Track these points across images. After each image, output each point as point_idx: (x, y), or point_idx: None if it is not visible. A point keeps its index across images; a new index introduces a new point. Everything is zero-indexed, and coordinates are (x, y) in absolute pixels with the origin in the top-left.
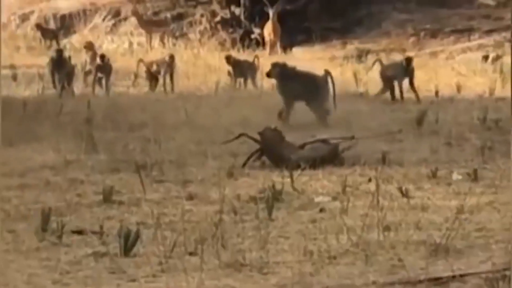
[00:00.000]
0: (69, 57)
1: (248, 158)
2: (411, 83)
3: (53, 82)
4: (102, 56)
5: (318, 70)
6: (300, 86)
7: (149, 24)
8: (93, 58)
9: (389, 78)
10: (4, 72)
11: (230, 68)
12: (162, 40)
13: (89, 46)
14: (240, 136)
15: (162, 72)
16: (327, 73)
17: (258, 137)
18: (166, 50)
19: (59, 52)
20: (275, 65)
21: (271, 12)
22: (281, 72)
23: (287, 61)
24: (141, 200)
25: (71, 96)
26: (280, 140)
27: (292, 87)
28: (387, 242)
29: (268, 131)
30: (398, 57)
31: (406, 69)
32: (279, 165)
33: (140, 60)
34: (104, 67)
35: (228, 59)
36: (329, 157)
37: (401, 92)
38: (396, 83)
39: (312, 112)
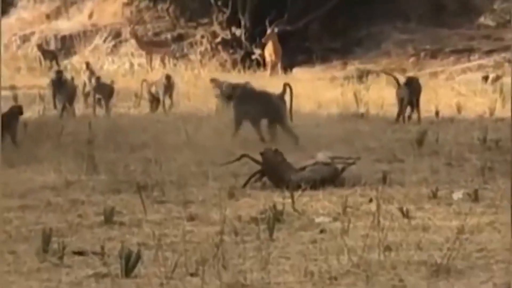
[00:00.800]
0: (72, 78)
1: (249, 179)
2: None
3: (54, 103)
4: (98, 78)
5: (319, 90)
6: (261, 107)
7: (149, 45)
8: (91, 79)
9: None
10: (5, 93)
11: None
12: (162, 61)
13: (87, 68)
14: (242, 158)
15: (161, 93)
16: (285, 87)
17: (259, 158)
18: (166, 71)
19: (59, 73)
20: (235, 87)
21: (268, 30)
22: (242, 94)
23: (289, 82)
24: (142, 221)
25: (72, 117)
26: (281, 161)
27: (253, 108)
28: (388, 263)
29: (269, 152)
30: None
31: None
32: (280, 185)
33: (144, 80)
34: (101, 88)
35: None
36: (330, 178)
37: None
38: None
39: (282, 131)
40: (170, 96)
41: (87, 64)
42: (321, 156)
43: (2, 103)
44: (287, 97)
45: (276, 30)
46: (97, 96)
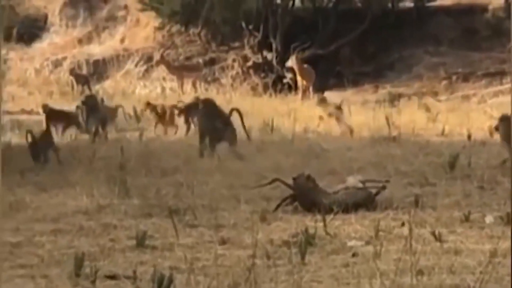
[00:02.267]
0: (102, 101)
1: (280, 204)
2: None
3: (86, 127)
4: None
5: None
6: (221, 126)
7: (180, 70)
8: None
9: None
10: (38, 117)
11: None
12: (194, 85)
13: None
14: (274, 182)
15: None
16: (232, 110)
17: (291, 182)
18: (198, 95)
19: (92, 98)
20: (205, 101)
21: (291, 58)
22: (210, 109)
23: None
24: (174, 245)
25: (104, 141)
26: (313, 187)
27: (213, 126)
28: (420, 287)
29: (302, 178)
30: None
31: None
32: (312, 210)
33: (177, 102)
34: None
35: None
36: (363, 202)
37: None
38: None
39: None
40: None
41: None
42: (352, 181)
43: (36, 128)
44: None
45: (299, 55)
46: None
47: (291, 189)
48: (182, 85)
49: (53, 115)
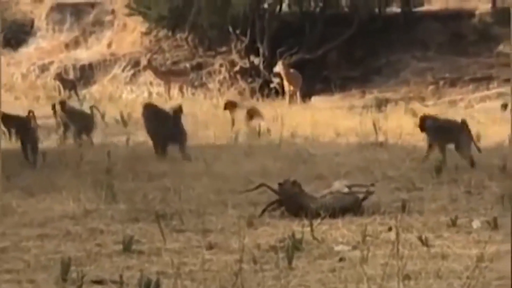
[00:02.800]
0: (91, 108)
1: (266, 208)
2: None
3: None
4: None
5: (338, 119)
6: (169, 128)
7: (167, 75)
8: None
9: None
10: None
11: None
12: (181, 89)
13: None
14: (260, 187)
15: None
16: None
17: (277, 187)
18: (185, 99)
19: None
20: (146, 106)
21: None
22: (152, 113)
23: (307, 110)
24: (161, 250)
25: (90, 146)
26: (299, 193)
27: (161, 128)
28: None
29: (288, 183)
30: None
31: None
32: (299, 214)
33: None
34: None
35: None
36: (351, 207)
37: None
38: None
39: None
40: None
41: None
42: (338, 185)
43: None
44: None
45: (286, 61)
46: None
47: (277, 195)
48: (169, 90)
49: (6, 120)
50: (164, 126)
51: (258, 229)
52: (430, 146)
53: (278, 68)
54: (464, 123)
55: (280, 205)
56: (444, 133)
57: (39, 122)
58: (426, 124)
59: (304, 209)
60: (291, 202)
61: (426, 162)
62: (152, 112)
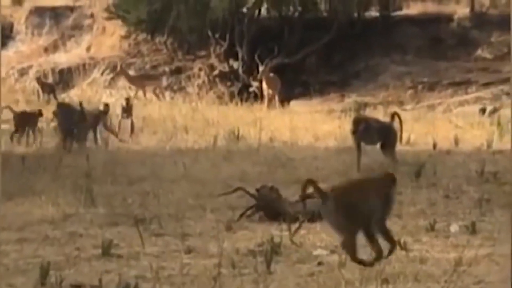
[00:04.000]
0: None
1: (244, 213)
2: None
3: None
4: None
5: (317, 123)
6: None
7: (140, 79)
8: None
9: None
10: (3, 126)
11: None
12: (154, 93)
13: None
14: (237, 190)
15: (120, 117)
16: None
17: (255, 191)
18: (163, 103)
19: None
20: (59, 105)
21: (261, 68)
22: (62, 112)
23: (286, 114)
24: (139, 254)
25: (69, 150)
26: (277, 198)
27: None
28: None
29: (265, 189)
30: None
31: None
32: (278, 218)
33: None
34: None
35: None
36: None
37: None
38: None
39: None
40: (131, 121)
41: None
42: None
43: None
44: None
45: (269, 65)
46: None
47: (255, 199)
48: (145, 93)
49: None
50: (75, 124)
51: (236, 233)
52: (358, 146)
53: (261, 74)
54: (391, 125)
55: (258, 210)
56: (373, 133)
57: None
58: (360, 127)
59: (281, 215)
60: (269, 207)
61: (406, 166)
62: (64, 111)
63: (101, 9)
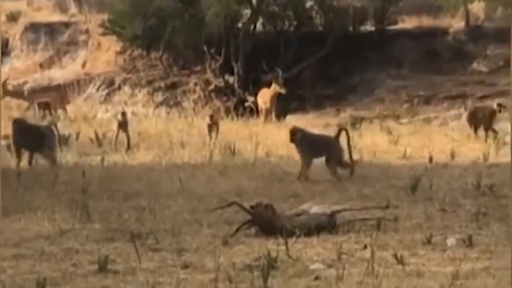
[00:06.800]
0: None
1: (239, 228)
2: None
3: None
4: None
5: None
6: (34, 139)
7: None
8: None
9: None
10: (2, 142)
11: None
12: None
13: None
14: (231, 205)
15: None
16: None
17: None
18: (159, 118)
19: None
20: (15, 121)
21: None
22: (19, 127)
23: (282, 129)
24: (136, 269)
25: (65, 166)
26: (272, 215)
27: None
28: None
29: (260, 206)
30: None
31: None
32: (274, 232)
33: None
34: None
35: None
36: (325, 225)
37: None
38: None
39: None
40: (127, 134)
41: None
42: (306, 207)
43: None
44: None
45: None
46: None
47: (250, 214)
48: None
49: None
50: (28, 139)
51: (233, 248)
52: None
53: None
54: (335, 140)
55: (253, 225)
56: (315, 146)
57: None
58: (296, 136)
59: (277, 230)
60: (265, 224)
61: (402, 180)
62: (19, 127)
63: (96, 25)
